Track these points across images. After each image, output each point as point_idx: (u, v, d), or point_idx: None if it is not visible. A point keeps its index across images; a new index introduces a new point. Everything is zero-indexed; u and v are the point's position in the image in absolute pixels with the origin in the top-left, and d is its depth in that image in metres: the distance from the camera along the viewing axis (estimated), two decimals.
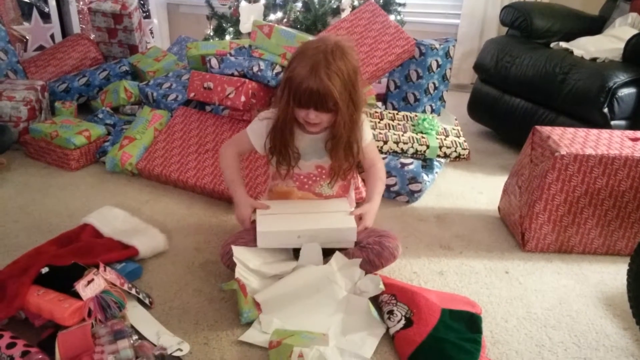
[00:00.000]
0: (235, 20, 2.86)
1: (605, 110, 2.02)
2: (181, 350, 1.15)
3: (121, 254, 1.42)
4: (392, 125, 2.04)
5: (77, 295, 1.15)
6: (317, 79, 1.21)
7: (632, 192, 1.52)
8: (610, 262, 1.58)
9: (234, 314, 1.28)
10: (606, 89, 1.99)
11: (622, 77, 2.01)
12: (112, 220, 1.58)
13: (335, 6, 2.68)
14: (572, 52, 2.30)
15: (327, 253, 1.34)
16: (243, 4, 2.75)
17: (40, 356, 1.06)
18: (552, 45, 2.45)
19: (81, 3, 3.48)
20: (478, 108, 2.68)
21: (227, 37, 2.91)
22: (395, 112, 2.16)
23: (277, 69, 1.97)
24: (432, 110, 2.37)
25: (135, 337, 1.12)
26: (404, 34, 2.15)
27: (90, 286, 1.17)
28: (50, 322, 1.16)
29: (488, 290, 1.43)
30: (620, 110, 2.03)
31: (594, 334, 1.27)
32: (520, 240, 1.63)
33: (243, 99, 1.90)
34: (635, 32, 2.23)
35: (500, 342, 1.23)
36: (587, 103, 2.06)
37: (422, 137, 1.97)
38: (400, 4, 2.85)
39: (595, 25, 2.58)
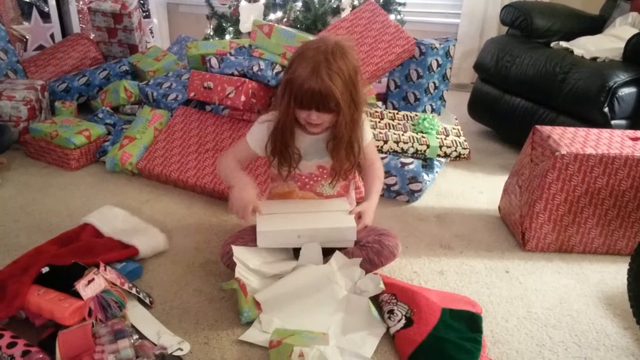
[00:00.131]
0: (235, 20, 2.86)
1: (606, 109, 2.02)
2: (181, 349, 1.15)
3: (121, 254, 1.42)
4: (393, 125, 2.04)
5: (77, 295, 1.15)
6: (319, 79, 1.20)
7: (632, 192, 1.52)
8: (610, 261, 1.58)
9: (234, 314, 1.28)
10: (606, 88, 1.99)
11: (622, 77, 2.01)
12: (112, 219, 1.58)
13: (335, 6, 2.68)
14: (572, 52, 2.30)
15: (327, 252, 1.34)
16: (243, 3, 2.75)
17: (40, 356, 1.06)
18: (552, 44, 2.45)
19: (81, 3, 3.48)
20: (478, 107, 2.68)
21: (227, 37, 2.91)
22: (396, 111, 2.16)
23: (277, 68, 1.96)
24: (433, 110, 2.37)
25: (135, 336, 1.12)
26: (404, 33, 2.15)
27: (91, 286, 1.17)
28: (50, 322, 1.16)
29: (488, 289, 1.43)
30: (620, 110, 2.03)
31: (594, 334, 1.27)
32: (521, 239, 1.63)
33: (243, 98, 1.90)
34: (635, 31, 2.23)
35: (501, 341, 1.23)
36: (587, 102, 2.06)
37: (423, 137, 1.97)
38: (400, 4, 2.85)
39: (595, 24, 2.58)
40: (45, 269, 1.23)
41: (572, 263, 1.57)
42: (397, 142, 1.93)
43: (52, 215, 1.74)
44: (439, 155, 1.97)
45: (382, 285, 1.29)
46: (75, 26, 3.48)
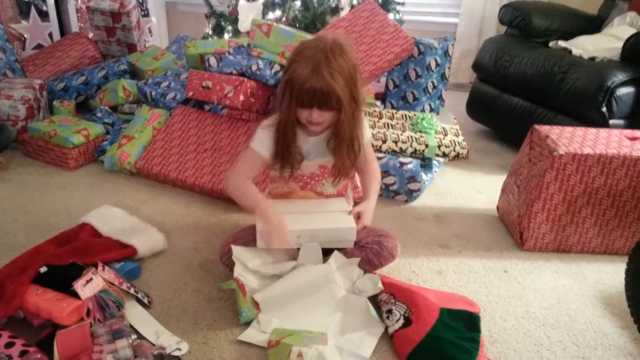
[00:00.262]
0: (234, 19, 2.86)
1: (604, 109, 2.02)
2: (180, 349, 1.15)
3: (120, 253, 1.42)
4: (391, 125, 2.04)
5: (75, 295, 1.15)
6: (320, 77, 1.20)
7: (630, 192, 1.52)
8: (608, 261, 1.59)
9: (232, 314, 1.28)
10: (604, 88, 2.00)
11: (620, 77, 2.01)
12: (111, 219, 1.58)
13: (334, 5, 2.68)
14: (570, 51, 2.30)
15: (326, 252, 1.34)
16: (242, 2, 2.75)
17: (38, 355, 1.06)
18: (550, 44, 2.45)
19: (79, 1, 3.48)
20: (477, 107, 2.68)
21: (226, 36, 2.91)
22: (394, 111, 2.16)
23: (276, 67, 1.96)
24: (431, 110, 2.37)
25: (134, 336, 1.12)
26: (403, 32, 2.15)
27: (89, 285, 1.17)
28: (48, 322, 1.16)
29: (487, 289, 1.44)
30: (618, 110, 2.03)
31: (592, 333, 1.28)
32: (519, 239, 1.64)
33: (242, 98, 1.90)
34: (633, 31, 2.24)
35: (499, 341, 1.24)
36: (585, 102, 2.06)
37: (421, 136, 1.97)
38: (399, 3, 2.85)
39: (593, 24, 2.58)
40: (43, 269, 1.23)
41: (570, 263, 1.58)
42: (395, 142, 1.93)
43: (51, 215, 1.74)
44: (437, 155, 1.97)
45: (380, 285, 1.29)
46: (74, 25, 3.48)
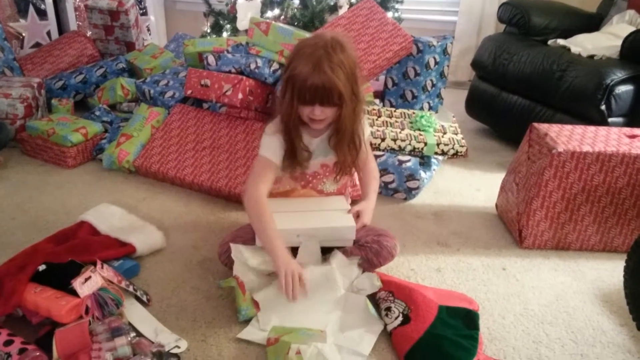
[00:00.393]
0: (232, 17, 2.85)
1: (603, 107, 2.02)
2: (179, 347, 1.15)
3: (118, 252, 1.42)
4: (390, 123, 2.04)
5: (74, 293, 1.15)
6: (322, 73, 1.20)
7: (629, 189, 1.53)
8: (607, 258, 1.59)
9: (231, 311, 1.28)
10: (603, 86, 2.00)
11: (619, 75, 2.01)
12: (109, 217, 1.58)
13: (332, 3, 2.68)
14: (569, 50, 2.30)
15: (326, 251, 1.34)
16: (240, 0, 2.75)
17: (37, 353, 1.06)
18: (549, 42, 2.45)
19: (77, 0, 3.47)
20: (476, 105, 2.68)
21: (225, 34, 2.90)
22: (393, 109, 2.16)
23: (275, 66, 1.96)
24: (430, 108, 2.37)
25: (132, 334, 1.12)
26: (402, 31, 2.14)
27: (88, 283, 1.17)
28: (47, 320, 1.16)
29: (485, 287, 1.44)
30: (617, 108, 2.03)
31: (590, 331, 1.28)
32: (518, 237, 1.64)
33: (240, 96, 1.90)
34: (632, 29, 2.24)
35: (498, 338, 1.24)
36: (584, 100, 2.06)
37: (420, 135, 1.97)
38: (397, 1, 2.85)
39: (592, 22, 2.58)
40: (42, 267, 1.23)
41: (568, 260, 1.58)
42: (394, 140, 1.93)
43: (49, 213, 1.74)
44: (436, 153, 1.97)
45: (378, 283, 1.29)
46: (72, 23, 3.47)
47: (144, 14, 3.90)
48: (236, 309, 1.24)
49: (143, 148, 2.02)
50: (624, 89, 2.02)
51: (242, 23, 2.72)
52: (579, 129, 1.63)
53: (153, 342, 1.14)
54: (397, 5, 2.85)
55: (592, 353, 1.20)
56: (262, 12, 2.73)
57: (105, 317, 1.15)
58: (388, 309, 1.25)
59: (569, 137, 1.55)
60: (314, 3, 2.64)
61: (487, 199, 1.96)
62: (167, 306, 1.30)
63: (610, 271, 1.53)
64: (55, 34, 3.37)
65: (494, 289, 1.43)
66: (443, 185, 2.07)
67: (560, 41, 2.41)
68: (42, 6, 3.34)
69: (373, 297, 1.30)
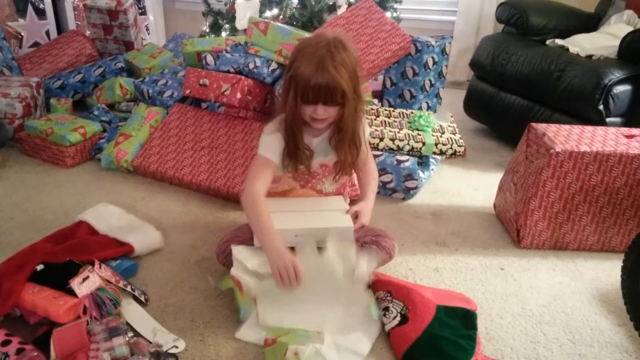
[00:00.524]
0: (231, 17, 2.85)
1: (601, 107, 2.03)
2: (177, 347, 1.15)
3: (116, 251, 1.42)
4: (388, 123, 2.05)
5: (72, 293, 1.15)
6: (325, 73, 1.20)
7: (626, 189, 1.53)
8: (604, 258, 1.59)
9: (229, 311, 1.28)
10: (601, 86, 2.00)
11: (617, 75, 2.02)
12: (108, 217, 1.58)
13: (331, 3, 2.68)
14: (567, 49, 2.31)
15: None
16: (239, 0, 2.75)
17: (35, 353, 1.06)
18: (547, 42, 2.45)
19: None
20: (474, 105, 2.68)
21: (223, 34, 2.90)
22: (391, 109, 2.16)
23: (273, 65, 1.96)
24: (428, 107, 2.37)
25: (130, 334, 1.12)
26: (400, 30, 2.15)
27: (86, 283, 1.17)
28: (45, 320, 1.16)
29: (483, 286, 1.44)
30: (615, 108, 2.03)
31: (588, 330, 1.28)
32: (516, 237, 1.64)
33: (239, 95, 1.90)
34: (630, 29, 2.24)
35: (495, 338, 1.24)
36: (582, 100, 2.07)
37: (418, 134, 1.97)
38: (396, 1, 2.85)
39: (590, 22, 2.58)
40: (40, 267, 1.23)
41: (566, 260, 1.58)
42: (392, 140, 1.93)
43: (47, 213, 1.74)
44: (434, 153, 1.97)
45: (376, 257, 1.29)
46: (71, 23, 3.47)
47: (143, 13, 3.90)
48: (236, 307, 1.24)
49: (141, 147, 2.02)
50: (622, 89, 2.02)
51: (241, 23, 2.72)
52: (576, 128, 1.64)
53: (151, 342, 1.14)
54: (395, 5, 2.85)
55: (590, 353, 1.21)
56: (261, 11, 2.73)
57: (103, 317, 1.15)
58: (386, 308, 1.25)
59: (566, 137, 1.55)
60: (313, 3, 2.64)
61: (485, 198, 1.96)
62: (165, 306, 1.30)
63: (608, 271, 1.53)
64: (54, 34, 3.37)
65: (492, 288, 1.43)
66: (441, 185, 2.07)
67: (559, 41, 2.42)
68: (41, 5, 3.33)
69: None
